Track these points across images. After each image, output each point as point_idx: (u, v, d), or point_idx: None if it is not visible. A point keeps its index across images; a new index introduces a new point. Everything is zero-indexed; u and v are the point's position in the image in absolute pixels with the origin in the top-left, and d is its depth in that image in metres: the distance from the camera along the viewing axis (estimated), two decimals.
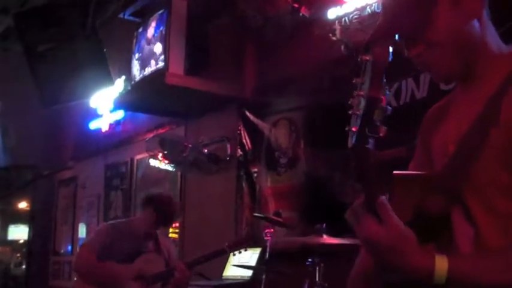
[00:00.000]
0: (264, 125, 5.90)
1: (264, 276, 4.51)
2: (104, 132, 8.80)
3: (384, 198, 1.48)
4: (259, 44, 6.19)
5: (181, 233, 7.09)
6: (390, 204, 1.50)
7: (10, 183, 9.52)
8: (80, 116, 9.38)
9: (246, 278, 5.32)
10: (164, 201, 5.03)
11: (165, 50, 6.35)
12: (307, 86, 5.40)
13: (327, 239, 4.01)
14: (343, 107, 1.52)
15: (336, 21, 5.11)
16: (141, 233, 4.93)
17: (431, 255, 1.47)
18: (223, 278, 5.55)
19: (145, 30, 6.84)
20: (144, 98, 6.97)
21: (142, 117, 8.01)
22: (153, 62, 6.57)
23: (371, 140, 1.44)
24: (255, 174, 6.00)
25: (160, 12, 6.58)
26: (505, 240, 1.55)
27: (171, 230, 7.14)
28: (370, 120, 1.44)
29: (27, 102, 7.91)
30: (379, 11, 4.73)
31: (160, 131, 7.57)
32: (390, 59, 1.50)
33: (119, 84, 7.82)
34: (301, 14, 5.36)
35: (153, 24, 6.72)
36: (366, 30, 4.79)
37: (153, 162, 6.93)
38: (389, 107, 1.46)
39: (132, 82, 7.03)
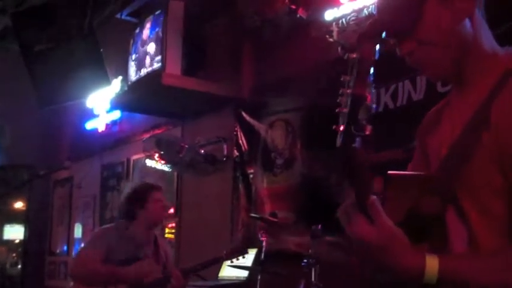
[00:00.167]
0: (260, 126, 5.90)
1: (259, 277, 4.51)
2: (100, 133, 8.79)
3: (375, 198, 1.48)
4: (256, 45, 6.20)
5: (177, 234, 7.09)
6: (384, 204, 1.51)
7: (6, 183, 9.52)
8: (77, 116, 9.37)
9: (242, 279, 5.32)
10: (148, 187, 4.98)
11: (162, 51, 6.35)
12: (304, 87, 5.40)
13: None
14: (339, 103, 1.52)
15: (333, 23, 5.12)
16: (138, 236, 4.89)
17: (422, 255, 1.48)
18: (219, 278, 5.55)
19: (141, 30, 6.85)
20: (140, 98, 6.96)
21: (139, 117, 8.01)
22: (149, 62, 6.57)
23: (358, 139, 1.44)
24: (251, 175, 6.00)
25: (157, 13, 6.58)
26: (498, 242, 1.56)
27: (167, 230, 7.15)
28: (355, 119, 1.44)
29: (24, 102, 7.92)
30: (375, 12, 4.73)
31: (157, 131, 7.57)
32: (377, 57, 1.51)
33: (116, 85, 7.82)
34: (298, 16, 5.37)
35: (148, 25, 6.72)
36: None
37: (149, 162, 6.93)
38: (374, 105, 1.46)
39: (129, 82, 7.03)
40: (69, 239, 9.78)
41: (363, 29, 1.62)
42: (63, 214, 10.13)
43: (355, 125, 1.43)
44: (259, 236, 4.62)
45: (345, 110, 1.45)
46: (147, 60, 6.62)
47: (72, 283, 5.07)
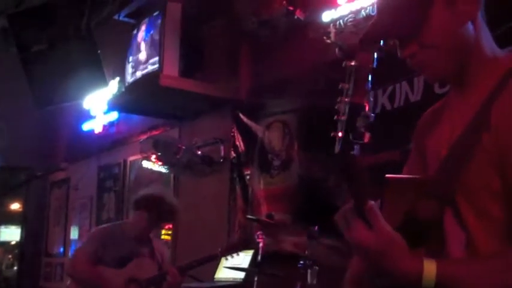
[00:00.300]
0: (257, 127, 5.90)
1: (256, 279, 4.51)
2: (97, 134, 8.78)
3: (373, 203, 1.48)
4: (253, 47, 6.20)
5: (174, 235, 7.08)
6: (381, 207, 1.51)
7: (3, 184, 9.50)
8: (74, 117, 9.36)
9: (238, 280, 5.31)
10: (156, 201, 4.99)
11: (160, 52, 6.35)
12: (301, 89, 5.40)
13: None
14: (337, 110, 1.52)
15: (331, 24, 5.12)
16: (134, 236, 4.91)
17: (420, 259, 1.48)
18: (215, 280, 5.54)
19: (139, 32, 6.85)
20: (138, 99, 6.96)
21: (136, 118, 8.00)
22: (147, 63, 6.56)
23: (356, 146, 1.44)
24: (248, 177, 6.00)
25: (155, 14, 6.59)
26: (496, 244, 1.56)
27: (163, 231, 7.14)
28: (354, 127, 1.44)
29: (21, 103, 7.91)
30: (373, 14, 4.74)
31: (154, 132, 7.56)
32: (374, 65, 1.51)
33: (113, 86, 7.81)
34: (295, 17, 5.37)
35: (145, 27, 6.72)
36: (361, 33, 4.79)
37: (146, 163, 6.92)
38: (372, 114, 1.46)
39: (126, 83, 7.02)
40: (66, 241, 9.76)
41: (364, 31, 1.62)
42: (60, 215, 10.11)
43: (354, 132, 1.43)
44: (256, 237, 4.62)
45: (343, 118, 1.45)
46: (145, 61, 6.62)
47: (68, 281, 5.09)
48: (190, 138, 6.79)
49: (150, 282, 4.80)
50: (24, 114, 8.99)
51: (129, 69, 6.92)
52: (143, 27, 6.74)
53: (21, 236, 10.88)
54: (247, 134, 6.02)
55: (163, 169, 6.90)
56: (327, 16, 5.15)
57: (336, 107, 1.48)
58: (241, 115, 6.12)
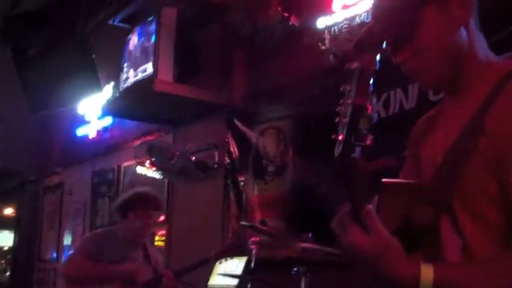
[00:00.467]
0: (252, 134, 5.90)
1: (249, 286, 4.50)
2: (91, 139, 8.77)
3: (370, 207, 1.48)
4: (248, 53, 6.20)
5: (167, 241, 7.07)
6: (378, 211, 1.51)
7: None
8: (68, 122, 9.35)
9: (232, 287, 5.29)
10: (137, 197, 4.99)
11: (154, 57, 6.35)
12: (296, 95, 5.40)
13: None
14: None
15: (325, 31, 5.13)
16: (129, 240, 4.91)
17: (417, 264, 1.48)
18: (208, 286, 5.52)
19: (134, 37, 6.85)
20: (132, 104, 6.95)
21: (130, 124, 7.99)
22: (142, 68, 6.56)
23: (357, 149, 1.44)
24: (242, 183, 5.99)
25: (150, 19, 6.59)
26: (492, 249, 1.56)
27: (157, 237, 7.12)
28: (356, 129, 1.44)
29: (15, 107, 7.89)
30: (368, 21, 4.75)
31: (148, 138, 7.55)
32: (377, 67, 1.50)
33: (108, 91, 7.81)
34: (290, 23, 5.37)
35: (140, 32, 6.73)
36: (355, 40, 4.80)
37: (140, 169, 6.90)
38: (375, 115, 1.46)
39: (121, 89, 7.01)
40: (59, 246, 9.73)
41: (358, 37, 1.62)
42: (53, 220, 10.08)
43: (356, 135, 1.43)
44: (250, 244, 4.61)
45: (345, 120, 1.45)
46: (139, 66, 6.61)
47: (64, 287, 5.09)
48: (185, 143, 6.79)
49: (146, 286, 4.80)
50: (19, 119, 8.99)
51: (123, 74, 6.92)
52: (140, 31, 6.74)
53: (14, 241, 10.86)
54: (242, 140, 6.02)
55: (157, 175, 6.88)
56: (321, 23, 5.15)
57: (338, 109, 1.48)
58: (235, 121, 6.12)
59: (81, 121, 8.91)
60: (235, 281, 5.20)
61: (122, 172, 8.22)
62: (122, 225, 4.98)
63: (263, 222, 4.77)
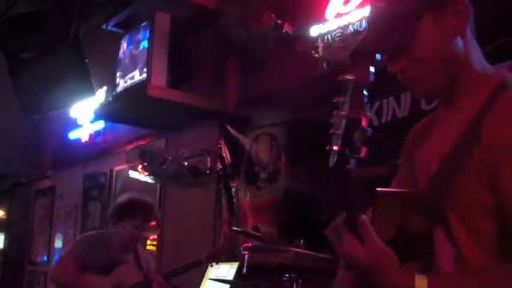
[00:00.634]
0: (244, 140, 5.91)
1: None
2: (83, 143, 8.75)
3: (365, 217, 1.49)
4: (241, 59, 6.21)
5: (159, 246, 7.06)
6: (372, 220, 1.52)
7: None
8: (60, 126, 9.33)
9: None
10: (137, 205, 5.00)
11: (148, 62, 6.35)
12: (288, 102, 5.42)
13: None
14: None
15: (319, 39, 5.14)
16: (120, 244, 4.91)
17: (411, 274, 1.49)
18: None
19: (127, 41, 6.86)
20: (125, 109, 6.94)
21: (122, 128, 7.98)
22: (135, 73, 6.57)
23: (352, 160, 1.45)
24: (234, 188, 6.00)
25: (143, 24, 6.59)
26: (486, 260, 1.57)
27: (148, 242, 7.12)
28: (351, 141, 1.44)
29: (7, 110, 7.88)
30: (361, 29, 4.77)
31: (141, 142, 7.54)
32: (372, 79, 1.51)
33: (100, 95, 7.81)
34: (284, 31, 5.38)
35: (134, 36, 6.74)
36: (348, 48, 4.82)
37: (132, 173, 6.90)
38: (369, 129, 1.46)
39: (114, 93, 7.02)
40: (50, 249, 9.70)
41: (354, 47, 1.63)
42: (44, 224, 10.05)
43: (350, 147, 1.44)
44: (241, 249, 4.61)
45: (339, 132, 1.45)
46: (132, 71, 6.62)
47: None
48: (177, 149, 6.79)
49: None
50: (11, 122, 8.96)
51: (116, 78, 6.92)
52: (134, 36, 6.75)
53: (5, 244, 10.82)
54: (234, 146, 6.03)
55: (149, 179, 6.88)
56: (315, 31, 5.17)
57: (331, 121, 1.48)
58: (228, 127, 6.13)
59: (74, 125, 8.90)
60: (226, 287, 5.20)
61: (114, 176, 8.21)
62: (116, 230, 4.98)
63: (255, 228, 4.79)
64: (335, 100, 1.49)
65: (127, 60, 6.79)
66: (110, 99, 7.30)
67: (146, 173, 6.78)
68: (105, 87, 7.79)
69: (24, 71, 6.02)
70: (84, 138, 8.72)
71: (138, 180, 6.96)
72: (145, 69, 6.41)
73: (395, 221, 1.63)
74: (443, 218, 1.61)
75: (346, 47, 4.82)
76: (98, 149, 8.53)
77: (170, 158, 6.53)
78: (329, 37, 5.08)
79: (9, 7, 6.58)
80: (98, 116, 7.83)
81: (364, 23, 4.75)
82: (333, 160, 1.45)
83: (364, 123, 1.45)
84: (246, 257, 4.51)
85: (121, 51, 6.97)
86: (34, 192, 10.47)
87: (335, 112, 1.47)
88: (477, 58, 1.73)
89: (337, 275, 1.77)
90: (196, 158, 6.52)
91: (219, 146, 6.21)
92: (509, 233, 1.55)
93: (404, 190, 1.79)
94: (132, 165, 6.82)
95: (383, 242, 1.51)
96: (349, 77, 1.48)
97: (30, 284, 10.25)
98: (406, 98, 4.35)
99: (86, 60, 5.95)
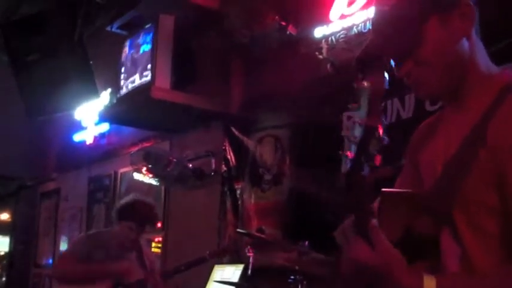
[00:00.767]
0: (249, 142, 5.90)
1: None
2: (88, 145, 8.77)
3: (375, 221, 1.48)
4: (246, 61, 6.21)
5: (164, 248, 7.06)
6: (378, 221, 1.51)
7: None
8: (65, 128, 9.34)
9: None
10: (140, 207, 5.05)
11: (152, 64, 6.36)
12: (293, 104, 5.41)
13: None
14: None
15: (323, 40, 5.15)
16: (122, 243, 4.94)
17: (420, 276, 1.49)
18: None
19: (131, 43, 6.87)
20: (129, 111, 6.95)
21: (127, 130, 7.99)
22: (139, 75, 6.57)
23: (366, 167, 1.44)
24: (239, 190, 5.99)
25: (147, 26, 6.61)
26: (492, 260, 1.57)
27: (153, 244, 7.12)
28: (367, 150, 1.44)
29: (12, 112, 7.89)
30: (365, 31, 4.77)
31: (145, 144, 7.55)
32: (387, 86, 1.51)
33: (105, 97, 7.82)
34: (288, 32, 5.39)
35: (138, 38, 6.75)
36: (352, 50, 4.83)
37: (137, 175, 6.90)
38: (386, 137, 1.46)
39: (118, 95, 7.02)
40: (55, 252, 9.71)
41: (361, 51, 1.63)
42: (49, 226, 10.06)
43: (366, 155, 1.43)
44: (246, 251, 4.61)
45: (354, 139, 1.45)
46: (137, 73, 6.63)
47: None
48: (181, 151, 6.79)
49: (135, 286, 4.82)
50: (15, 124, 8.97)
51: (121, 81, 6.93)
52: (138, 38, 6.76)
53: (10, 246, 10.83)
54: (239, 148, 6.02)
55: (154, 181, 6.88)
56: (319, 32, 5.17)
57: (344, 123, 1.48)
58: (232, 129, 6.12)
59: (78, 127, 8.91)
60: None
61: (119, 178, 8.22)
62: (115, 229, 5.02)
63: (260, 230, 4.78)
64: (349, 106, 1.48)
65: (129, 64, 6.80)
66: (115, 101, 7.31)
67: (151, 175, 6.77)
68: (109, 90, 7.79)
69: (29, 73, 6.03)
70: (89, 140, 8.73)
71: (142, 183, 6.96)
72: (145, 73, 6.43)
73: (401, 221, 1.63)
74: (450, 218, 1.61)
75: (350, 48, 4.83)
76: (103, 151, 8.53)
77: (175, 160, 6.52)
78: (333, 38, 5.09)
79: (13, 10, 6.59)
80: (103, 118, 7.84)
81: (368, 25, 4.75)
82: (346, 166, 1.45)
83: (380, 131, 1.45)
84: (251, 259, 4.51)
85: (123, 54, 6.98)
86: (39, 195, 10.48)
87: (348, 117, 1.47)
88: (482, 59, 1.72)
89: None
90: (200, 160, 6.51)
91: (223, 147, 6.20)
92: None
93: (410, 191, 1.79)
94: (136, 167, 6.82)
95: (390, 242, 1.50)
96: (365, 84, 1.48)
97: (35, 286, 10.25)
98: (410, 99, 4.35)
99: (90, 63, 5.96)
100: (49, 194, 10.16)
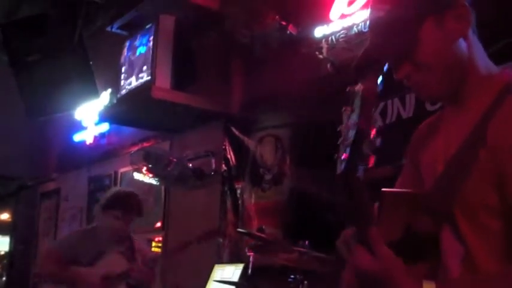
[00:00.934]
0: (249, 141, 5.91)
1: None
2: (88, 145, 8.76)
3: (375, 229, 1.49)
4: (246, 60, 6.21)
5: (164, 247, 7.06)
6: (379, 221, 1.52)
7: None
8: (65, 128, 9.34)
9: None
10: (126, 198, 5.08)
11: (152, 64, 6.36)
12: (293, 103, 5.42)
13: None
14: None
15: (323, 40, 5.15)
16: (105, 236, 4.98)
17: (419, 283, 1.49)
18: None
19: (132, 44, 6.87)
20: (129, 111, 6.95)
21: (127, 130, 7.99)
22: (139, 75, 6.58)
23: (360, 168, 1.45)
24: (239, 190, 5.99)
25: (148, 26, 6.61)
26: (495, 260, 1.57)
27: (154, 244, 7.12)
28: (360, 152, 1.45)
29: (12, 112, 7.89)
30: (365, 30, 4.77)
31: (145, 144, 7.55)
32: (380, 90, 1.51)
33: (105, 97, 7.82)
34: (288, 32, 5.39)
35: (138, 39, 6.76)
36: (352, 49, 4.83)
37: (137, 175, 6.90)
38: (378, 140, 1.47)
39: (118, 95, 7.03)
40: None
41: (358, 57, 1.63)
42: (50, 226, 10.06)
43: (359, 157, 1.44)
44: (246, 251, 4.61)
45: (347, 142, 1.46)
46: (137, 73, 6.63)
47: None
48: (182, 150, 6.79)
49: (121, 277, 4.86)
50: (15, 124, 8.98)
51: (121, 81, 6.94)
52: (138, 38, 6.77)
53: (10, 246, 10.83)
54: (239, 148, 6.03)
55: (154, 181, 6.88)
56: (319, 32, 5.17)
57: (339, 129, 1.49)
58: (233, 129, 6.13)
59: (78, 127, 8.91)
60: None
61: (119, 178, 8.22)
62: (100, 222, 5.07)
63: (260, 230, 4.78)
64: (343, 110, 1.49)
65: (128, 65, 6.82)
66: (115, 101, 7.31)
67: (151, 175, 6.77)
68: (109, 90, 7.79)
69: (29, 74, 6.03)
70: (89, 140, 8.73)
71: (142, 182, 6.96)
72: (140, 75, 6.43)
73: (401, 221, 1.63)
74: (451, 218, 1.61)
75: (350, 48, 4.83)
76: (103, 151, 8.53)
77: (175, 160, 6.53)
78: (333, 38, 5.09)
79: (13, 11, 6.60)
80: (103, 118, 7.84)
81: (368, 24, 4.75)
82: (340, 167, 1.45)
83: (372, 134, 1.46)
84: (251, 258, 4.51)
85: (123, 55, 6.99)
86: (39, 195, 10.47)
87: (343, 122, 1.48)
88: (481, 60, 1.73)
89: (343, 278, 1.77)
90: (201, 160, 6.52)
91: (223, 147, 6.21)
92: None
93: (410, 191, 1.79)
94: (136, 167, 6.82)
95: (390, 242, 1.51)
96: (357, 87, 1.49)
97: (35, 286, 10.23)
98: (410, 99, 4.35)
99: (91, 63, 5.96)
100: (49, 194, 10.16)
